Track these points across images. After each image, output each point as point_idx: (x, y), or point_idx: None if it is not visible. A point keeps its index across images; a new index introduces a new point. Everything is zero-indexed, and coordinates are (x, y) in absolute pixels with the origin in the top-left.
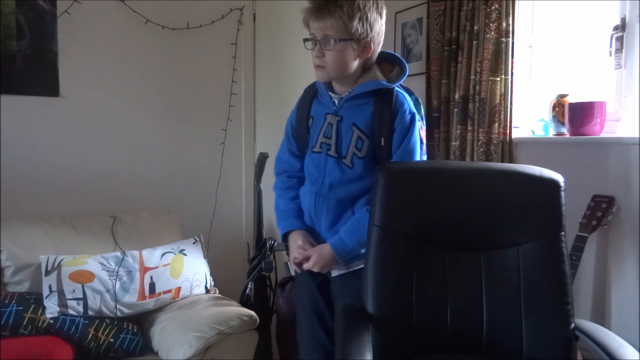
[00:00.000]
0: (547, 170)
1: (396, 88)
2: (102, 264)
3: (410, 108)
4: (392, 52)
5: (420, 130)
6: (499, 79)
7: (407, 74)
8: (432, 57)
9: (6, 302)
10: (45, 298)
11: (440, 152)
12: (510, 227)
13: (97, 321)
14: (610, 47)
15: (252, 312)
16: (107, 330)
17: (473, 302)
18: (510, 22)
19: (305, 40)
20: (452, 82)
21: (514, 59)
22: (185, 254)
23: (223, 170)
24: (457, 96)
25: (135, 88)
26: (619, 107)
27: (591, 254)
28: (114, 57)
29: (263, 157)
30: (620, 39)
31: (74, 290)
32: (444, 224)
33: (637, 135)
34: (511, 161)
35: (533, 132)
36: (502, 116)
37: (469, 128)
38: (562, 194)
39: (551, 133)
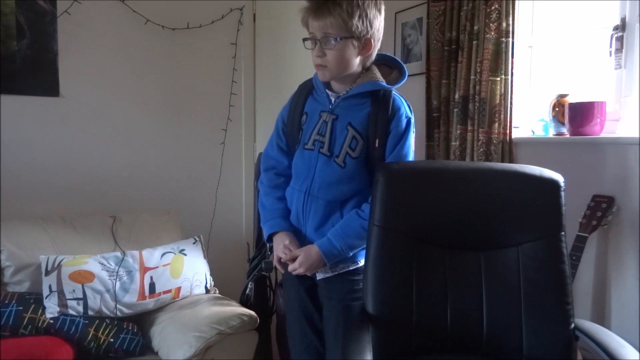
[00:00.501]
0: (547, 170)
1: (394, 92)
2: (102, 264)
3: (406, 112)
4: (392, 55)
5: (413, 136)
6: (499, 79)
7: (406, 77)
8: (432, 57)
9: (6, 302)
10: (45, 298)
11: (440, 152)
12: (510, 227)
13: (97, 321)
14: (610, 47)
15: (252, 312)
16: (107, 330)
17: (473, 302)
18: (510, 22)
19: (304, 39)
20: (452, 82)
21: (514, 59)
22: (185, 254)
23: (223, 170)
24: (457, 96)
25: (135, 88)
26: (619, 107)
27: (591, 254)
28: (114, 57)
29: None
30: (620, 39)
31: (74, 290)
32: (443, 223)
33: (637, 135)
34: (511, 161)
35: (533, 132)
36: (502, 116)
37: (469, 128)
38: (562, 194)
39: (551, 133)
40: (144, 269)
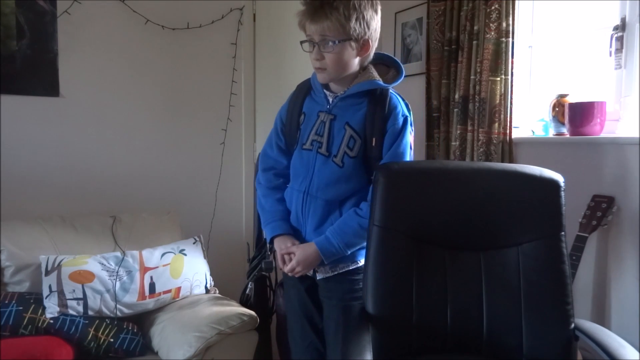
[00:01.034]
0: (547, 170)
1: (390, 90)
2: (102, 264)
3: (403, 111)
4: (389, 54)
5: (410, 134)
6: (499, 79)
7: (403, 76)
8: (432, 57)
9: (6, 302)
10: (45, 298)
11: (440, 152)
12: (510, 227)
13: (97, 321)
14: (610, 47)
15: (252, 312)
16: (107, 330)
17: (473, 302)
18: (510, 22)
19: (302, 42)
20: (452, 82)
21: (514, 59)
22: (185, 254)
23: (223, 170)
24: (457, 96)
25: (135, 88)
26: (619, 107)
27: (591, 254)
28: (114, 57)
29: None
30: (620, 39)
31: (74, 290)
32: (444, 223)
33: (637, 135)
34: (511, 161)
35: (533, 132)
36: (502, 116)
37: (469, 128)
38: (562, 194)
39: (551, 133)
40: (144, 269)
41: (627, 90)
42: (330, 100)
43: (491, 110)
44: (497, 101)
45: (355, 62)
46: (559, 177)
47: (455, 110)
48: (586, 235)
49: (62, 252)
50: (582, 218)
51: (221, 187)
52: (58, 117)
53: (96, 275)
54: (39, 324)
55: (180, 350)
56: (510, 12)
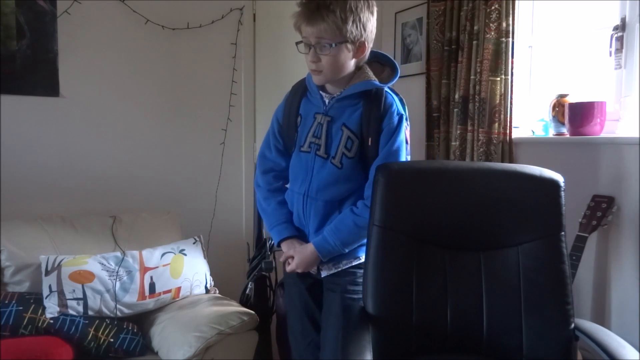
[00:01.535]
0: (547, 170)
1: (386, 89)
2: (102, 264)
3: (398, 109)
4: (383, 52)
5: (405, 130)
6: (499, 79)
7: (398, 75)
8: (432, 57)
9: (6, 302)
10: (45, 298)
11: (440, 152)
12: (510, 227)
13: (97, 321)
14: (610, 47)
15: (252, 312)
16: (107, 330)
17: (473, 302)
18: (510, 22)
19: (297, 43)
20: (452, 82)
21: (514, 59)
22: (185, 254)
23: (223, 170)
24: (457, 96)
25: (135, 88)
26: (619, 107)
27: (591, 254)
28: (114, 57)
29: None
30: (620, 39)
31: (74, 290)
32: (443, 223)
33: (637, 135)
34: (511, 161)
35: (533, 132)
36: (502, 116)
37: (469, 128)
38: (562, 194)
39: (551, 133)
40: (144, 269)
41: (627, 90)
42: (327, 101)
43: (491, 110)
44: (497, 101)
45: (352, 63)
46: (559, 177)
47: (455, 110)
48: (586, 235)
49: (62, 252)
50: (582, 218)
51: (221, 187)
52: (58, 117)
53: (96, 275)
54: (39, 324)
55: (180, 350)
56: (510, 12)
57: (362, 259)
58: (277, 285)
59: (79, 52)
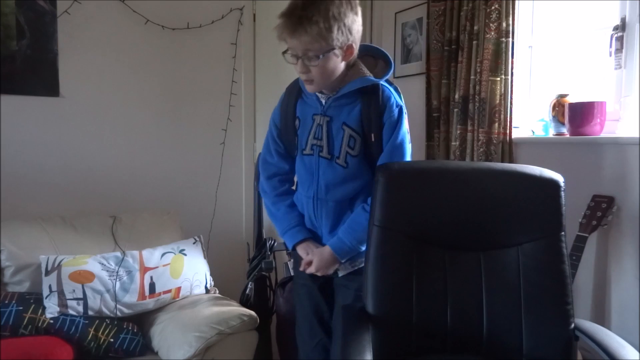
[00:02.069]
0: (547, 170)
1: (381, 83)
2: (102, 264)
3: (397, 101)
4: (373, 45)
5: (405, 121)
6: (499, 79)
7: (392, 68)
8: (432, 57)
9: (6, 302)
10: (45, 298)
11: (440, 152)
12: (510, 227)
13: (97, 321)
14: (610, 47)
15: (252, 312)
16: (107, 330)
17: (473, 302)
18: (510, 22)
19: (284, 53)
20: (452, 82)
21: (514, 59)
22: (185, 254)
23: (223, 170)
24: (457, 96)
25: (135, 88)
26: (619, 107)
27: (591, 254)
28: (114, 57)
29: None
30: (620, 39)
31: (74, 290)
32: (443, 223)
33: (637, 135)
34: (511, 161)
35: (533, 132)
36: (502, 116)
37: (469, 128)
38: (562, 194)
39: (551, 133)
40: (144, 269)
41: (627, 90)
42: (323, 102)
43: (491, 110)
44: (497, 101)
45: (341, 66)
46: (559, 177)
47: (455, 110)
48: (586, 235)
49: (62, 252)
50: (582, 218)
51: (221, 187)
52: (58, 117)
53: (96, 275)
54: (39, 324)
55: (180, 350)
56: (510, 12)
57: None
58: (277, 285)
59: (79, 52)
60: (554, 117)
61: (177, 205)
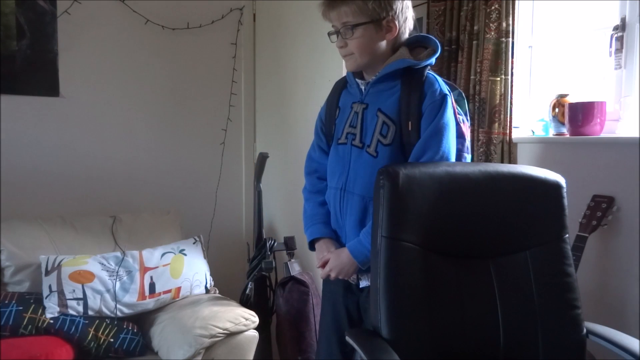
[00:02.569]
0: (551, 172)
1: (427, 70)
2: (102, 264)
3: (441, 89)
4: (427, 35)
5: (457, 116)
6: (499, 79)
7: (438, 53)
8: None
9: (6, 302)
10: (45, 298)
11: None
12: (517, 231)
13: (97, 321)
14: (610, 47)
15: (252, 312)
16: (107, 330)
17: (489, 316)
18: (510, 22)
19: (329, 33)
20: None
21: (514, 59)
22: (185, 254)
23: (223, 170)
24: None
25: (135, 88)
26: (619, 107)
27: (591, 254)
28: (114, 57)
29: (263, 157)
30: (620, 39)
31: (74, 290)
32: (452, 230)
33: (637, 135)
34: (511, 161)
35: (533, 132)
36: (502, 116)
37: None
38: (565, 195)
39: (551, 133)
40: (144, 269)
41: (627, 90)
42: (363, 89)
43: (491, 110)
44: (497, 101)
45: (383, 45)
46: (561, 179)
47: None
48: (586, 235)
49: (62, 252)
50: (582, 218)
51: (221, 187)
52: (58, 117)
53: (96, 275)
54: (39, 324)
55: (180, 350)
56: (510, 12)
57: None
58: (277, 285)
59: (79, 52)
60: (554, 117)
61: (177, 205)
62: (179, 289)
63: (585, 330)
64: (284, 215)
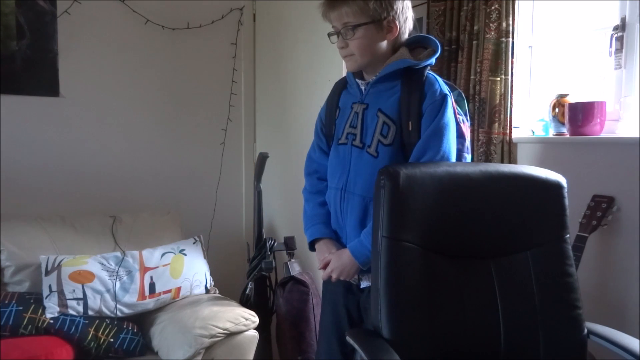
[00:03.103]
0: (552, 172)
1: (428, 70)
2: (102, 264)
3: (441, 89)
4: (427, 35)
5: (457, 116)
6: (499, 79)
7: (438, 53)
8: None
9: (6, 302)
10: (45, 298)
11: None
12: (518, 231)
13: (97, 321)
14: (610, 47)
15: (252, 312)
16: (107, 330)
17: (489, 316)
18: (510, 22)
19: (329, 34)
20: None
21: (514, 59)
22: (185, 254)
23: (223, 170)
24: None
25: (135, 88)
26: (619, 107)
27: (591, 254)
28: (114, 57)
29: (263, 157)
30: (620, 39)
31: (74, 290)
32: (453, 230)
33: (637, 135)
34: (511, 161)
35: (533, 132)
36: (502, 116)
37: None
38: (566, 195)
39: (551, 133)
40: (144, 269)
41: (627, 90)
42: (363, 89)
43: (491, 110)
44: (497, 101)
45: (383, 45)
46: (562, 179)
47: None
48: (586, 235)
49: (62, 252)
50: (582, 218)
51: (221, 187)
52: (58, 117)
53: (96, 275)
54: (39, 324)
55: (180, 350)
56: (510, 12)
57: None
58: (277, 285)
59: (79, 52)
60: (554, 117)
61: (177, 205)
62: (179, 289)
63: (586, 331)
64: (284, 215)
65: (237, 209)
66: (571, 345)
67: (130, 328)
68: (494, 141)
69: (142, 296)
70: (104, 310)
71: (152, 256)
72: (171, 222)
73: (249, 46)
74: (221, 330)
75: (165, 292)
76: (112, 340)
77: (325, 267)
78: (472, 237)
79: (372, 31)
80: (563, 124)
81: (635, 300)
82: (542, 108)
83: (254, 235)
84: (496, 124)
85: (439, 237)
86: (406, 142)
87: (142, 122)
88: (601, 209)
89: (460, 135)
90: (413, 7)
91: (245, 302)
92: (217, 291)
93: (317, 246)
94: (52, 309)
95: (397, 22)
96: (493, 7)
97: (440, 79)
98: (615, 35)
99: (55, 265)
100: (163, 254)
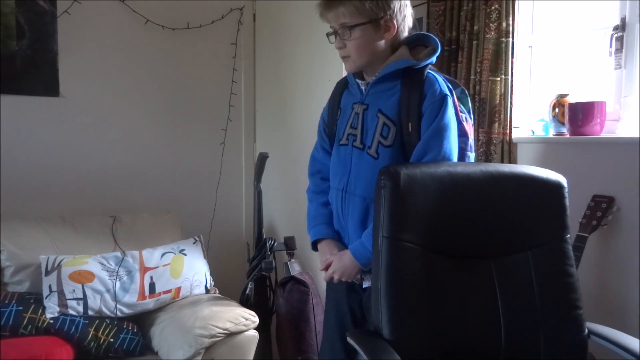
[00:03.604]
0: (552, 172)
1: (428, 70)
2: (102, 264)
3: (442, 89)
4: (427, 33)
5: (459, 114)
6: (499, 79)
7: (438, 52)
8: None
9: (6, 302)
10: (45, 298)
11: None
12: (519, 231)
13: (97, 321)
14: (610, 47)
15: (252, 312)
16: (107, 330)
17: (491, 316)
18: (510, 22)
19: (328, 34)
20: None
21: (514, 59)
22: (185, 254)
23: (223, 170)
24: None
25: (135, 88)
26: (619, 107)
27: (591, 254)
28: (114, 57)
29: (263, 157)
30: (620, 39)
31: (74, 290)
32: (454, 230)
33: (637, 135)
34: (511, 161)
35: (533, 132)
36: (502, 116)
37: None
38: (567, 195)
39: (551, 133)
40: (144, 269)
41: (627, 90)
42: (363, 89)
43: (491, 110)
44: (497, 101)
45: (381, 44)
46: (562, 179)
47: None
48: (586, 235)
49: (62, 252)
50: (582, 218)
51: (221, 187)
52: (58, 117)
53: (96, 275)
54: (39, 324)
55: (180, 350)
56: (510, 12)
57: None
58: (277, 285)
59: (79, 52)
60: (554, 117)
61: (177, 205)
62: (179, 289)
63: (586, 331)
64: (284, 215)
65: (237, 209)
66: (572, 345)
67: (130, 328)
68: (494, 141)
69: (142, 296)
70: (104, 310)
71: (152, 256)
72: (171, 222)
73: (249, 46)
74: (221, 330)
75: (165, 292)
76: (112, 340)
77: (327, 268)
78: (472, 237)
79: (370, 31)
80: (563, 124)
81: (635, 300)
82: (542, 108)
83: (254, 235)
84: (496, 124)
85: (439, 237)
86: (406, 143)
87: (142, 122)
88: (601, 209)
89: (462, 134)
90: (413, 7)
91: (245, 302)
92: (217, 291)
93: (319, 246)
94: (52, 309)
95: (394, 21)
96: (493, 7)
97: (440, 78)
98: (615, 35)
99: (55, 265)
100: (163, 254)
